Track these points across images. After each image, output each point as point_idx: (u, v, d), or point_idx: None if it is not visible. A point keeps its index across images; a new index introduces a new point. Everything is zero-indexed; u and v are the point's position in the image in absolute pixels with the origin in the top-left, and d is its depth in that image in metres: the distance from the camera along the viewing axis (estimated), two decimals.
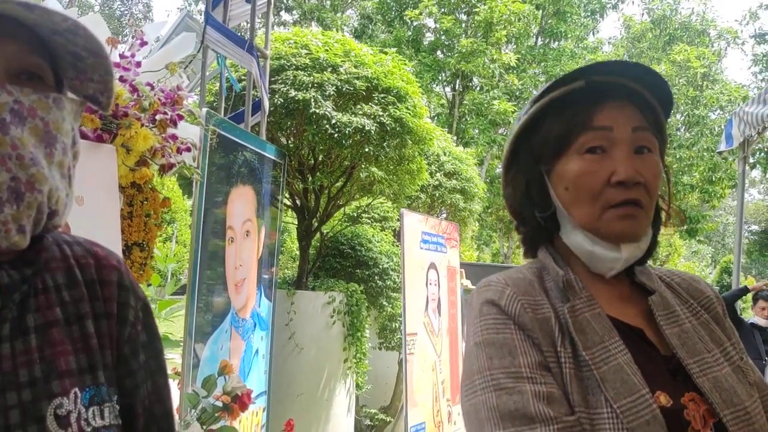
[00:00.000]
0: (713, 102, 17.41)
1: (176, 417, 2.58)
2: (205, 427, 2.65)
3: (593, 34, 20.23)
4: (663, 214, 1.10)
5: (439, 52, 16.87)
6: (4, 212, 0.77)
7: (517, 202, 1.11)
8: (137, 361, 0.93)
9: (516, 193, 1.11)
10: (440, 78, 16.97)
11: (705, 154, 16.89)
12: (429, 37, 17.32)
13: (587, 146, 1.00)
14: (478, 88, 16.34)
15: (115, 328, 0.91)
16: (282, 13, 19.69)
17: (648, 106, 1.03)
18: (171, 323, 4.59)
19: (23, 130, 0.79)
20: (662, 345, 0.99)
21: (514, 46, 16.54)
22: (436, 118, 16.09)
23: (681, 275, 1.14)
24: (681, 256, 20.32)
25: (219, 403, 2.70)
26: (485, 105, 15.01)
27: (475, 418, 0.93)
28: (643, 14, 21.70)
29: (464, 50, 14.84)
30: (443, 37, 16.27)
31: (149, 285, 4.16)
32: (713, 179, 16.98)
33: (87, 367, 0.85)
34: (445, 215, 6.88)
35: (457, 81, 16.63)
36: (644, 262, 1.07)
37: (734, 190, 16.50)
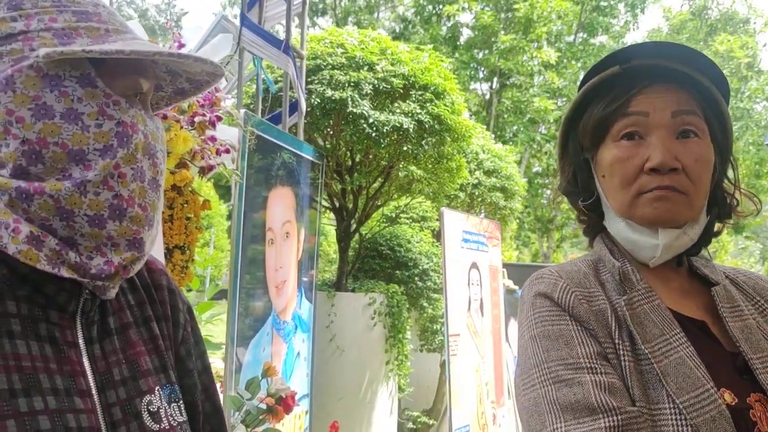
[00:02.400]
0: (758, 93, 16.90)
1: None
2: (249, 429, 2.64)
3: (633, 29, 19.70)
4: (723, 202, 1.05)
5: (476, 50, 16.70)
6: (152, 234, 0.83)
7: (566, 191, 1.11)
8: (191, 362, 0.97)
9: (565, 182, 1.10)
10: (477, 76, 16.81)
11: (751, 147, 16.41)
12: (466, 34, 17.16)
13: (623, 132, 0.98)
14: (516, 86, 16.14)
15: (172, 330, 0.94)
16: (317, 18, 19.73)
17: (700, 89, 0.98)
18: (212, 326, 4.61)
19: None
20: (726, 340, 0.94)
21: (556, 45, 16.29)
22: (474, 116, 15.94)
23: (747, 273, 1.09)
24: (728, 253, 19.78)
25: (263, 406, 2.68)
26: (524, 103, 14.81)
27: (535, 411, 0.90)
28: (682, 5, 21.12)
29: (503, 47, 14.67)
30: (481, 34, 16.08)
31: (189, 290, 4.18)
32: (760, 173, 16.50)
33: (160, 366, 0.88)
34: (483, 215, 6.78)
35: (495, 79, 16.46)
36: (697, 252, 1.03)
37: None
